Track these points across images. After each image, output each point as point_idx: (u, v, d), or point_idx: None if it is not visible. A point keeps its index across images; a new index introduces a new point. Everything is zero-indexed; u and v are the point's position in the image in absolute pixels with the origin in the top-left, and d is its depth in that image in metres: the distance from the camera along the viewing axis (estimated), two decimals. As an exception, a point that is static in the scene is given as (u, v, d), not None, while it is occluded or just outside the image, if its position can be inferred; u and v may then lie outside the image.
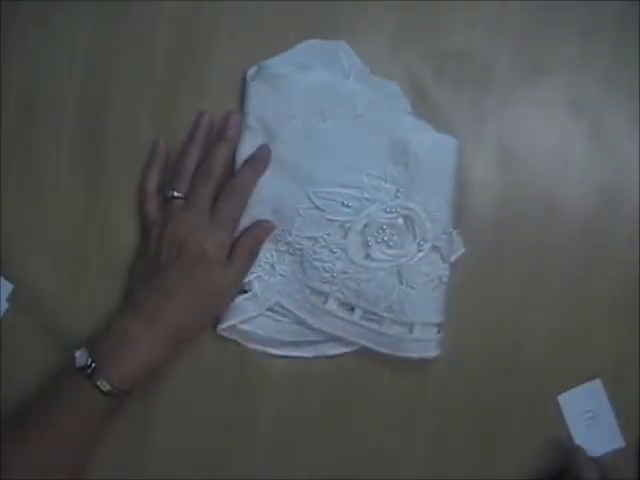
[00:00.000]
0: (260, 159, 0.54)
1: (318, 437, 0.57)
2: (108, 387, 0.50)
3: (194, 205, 0.53)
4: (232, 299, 0.55)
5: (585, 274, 0.56)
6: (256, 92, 0.55)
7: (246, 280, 0.55)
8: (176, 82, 0.56)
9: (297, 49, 0.56)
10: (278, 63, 0.55)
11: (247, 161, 0.54)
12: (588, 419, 0.56)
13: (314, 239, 0.54)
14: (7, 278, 0.56)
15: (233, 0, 0.56)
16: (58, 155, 0.57)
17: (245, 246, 0.54)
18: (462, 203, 0.56)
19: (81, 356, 0.51)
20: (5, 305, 0.56)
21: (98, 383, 0.50)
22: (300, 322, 0.55)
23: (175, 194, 0.53)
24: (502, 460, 0.56)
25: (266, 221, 0.54)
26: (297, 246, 0.54)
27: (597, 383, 0.56)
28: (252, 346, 0.56)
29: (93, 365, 0.50)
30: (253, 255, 0.54)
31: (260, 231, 0.54)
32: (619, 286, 0.56)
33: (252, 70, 0.56)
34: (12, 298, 0.56)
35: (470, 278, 0.56)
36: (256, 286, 0.55)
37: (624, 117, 0.56)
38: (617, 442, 0.56)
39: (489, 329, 0.56)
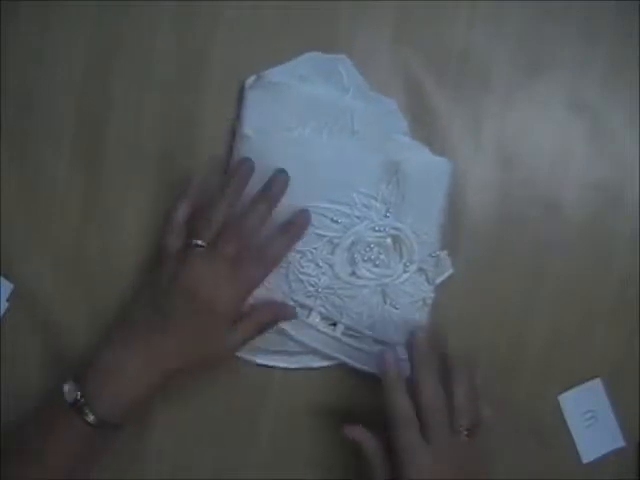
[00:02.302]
0: (297, 227, 0.53)
1: (318, 437, 0.57)
2: (97, 421, 0.48)
3: (216, 259, 0.50)
4: (227, 359, 0.54)
5: (585, 274, 0.56)
6: (253, 101, 0.55)
7: None
8: (176, 82, 0.56)
9: (297, 61, 0.55)
10: (277, 73, 0.55)
11: (283, 228, 0.53)
12: (588, 419, 0.56)
13: (301, 252, 0.54)
14: (7, 278, 0.56)
15: (233, 0, 0.56)
16: (58, 155, 0.57)
17: (259, 320, 0.52)
18: (462, 203, 0.56)
19: (69, 391, 0.49)
20: (5, 305, 0.56)
21: (87, 418, 0.48)
22: (281, 333, 0.55)
23: (199, 242, 0.51)
24: (502, 460, 0.56)
25: (292, 307, 0.54)
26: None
27: (597, 383, 0.56)
28: (238, 354, 0.55)
29: (82, 400, 0.48)
30: (262, 332, 0.53)
31: (282, 314, 0.53)
32: (619, 286, 0.56)
33: (251, 79, 0.55)
34: (12, 298, 0.56)
35: (470, 278, 0.56)
36: None
37: (624, 117, 0.57)
38: (617, 442, 0.56)
39: (489, 329, 0.56)
